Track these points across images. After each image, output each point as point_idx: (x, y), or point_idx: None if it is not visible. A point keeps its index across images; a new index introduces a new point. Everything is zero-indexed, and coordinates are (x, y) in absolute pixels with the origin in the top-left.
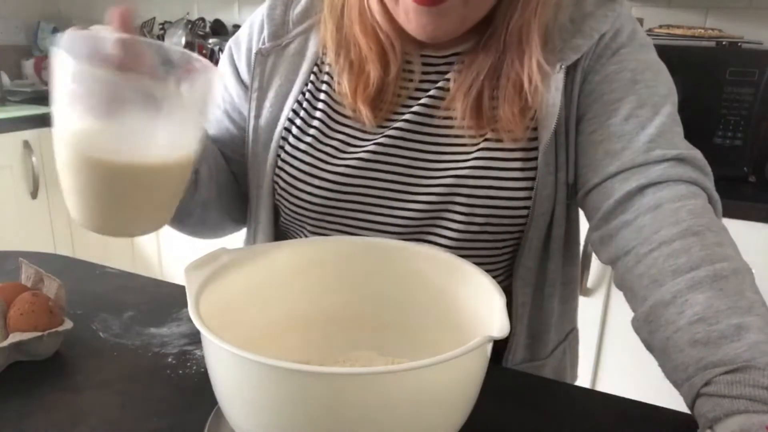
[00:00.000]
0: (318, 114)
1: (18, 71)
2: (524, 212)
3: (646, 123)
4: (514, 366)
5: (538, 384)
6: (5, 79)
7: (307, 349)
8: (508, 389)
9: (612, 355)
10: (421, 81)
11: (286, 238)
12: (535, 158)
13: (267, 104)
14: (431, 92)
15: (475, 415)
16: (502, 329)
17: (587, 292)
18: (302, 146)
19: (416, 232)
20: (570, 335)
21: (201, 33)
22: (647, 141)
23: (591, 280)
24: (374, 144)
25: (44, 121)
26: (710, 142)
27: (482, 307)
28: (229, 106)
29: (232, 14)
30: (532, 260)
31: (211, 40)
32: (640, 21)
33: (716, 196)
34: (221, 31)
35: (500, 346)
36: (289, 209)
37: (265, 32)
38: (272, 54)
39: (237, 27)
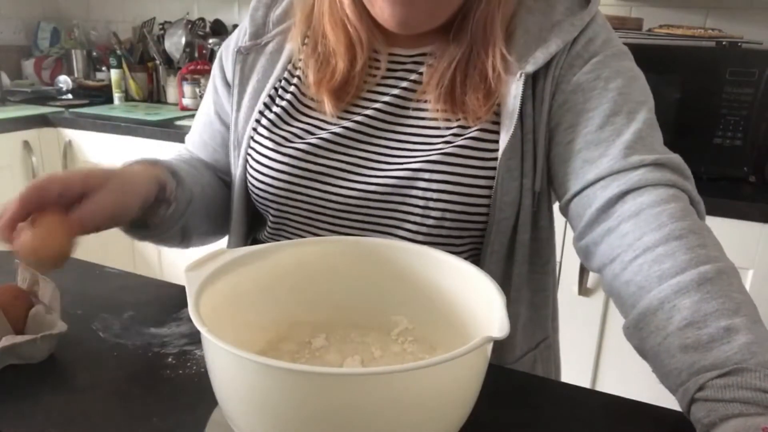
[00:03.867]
0: (285, 100)
1: (18, 71)
2: (484, 210)
3: (622, 129)
4: None
5: (538, 384)
6: (5, 79)
7: (306, 350)
8: (507, 389)
9: (612, 355)
10: (384, 77)
11: (258, 229)
12: (495, 158)
13: (245, 99)
14: (403, 85)
15: (475, 415)
16: (502, 329)
17: (587, 292)
18: (266, 131)
19: (375, 222)
20: (542, 344)
21: (201, 33)
22: (624, 147)
23: (591, 281)
24: (337, 128)
25: (44, 121)
26: (710, 142)
27: (482, 308)
28: (219, 108)
29: (232, 14)
30: (495, 264)
31: (211, 40)
32: (640, 21)
33: (698, 197)
34: (221, 31)
35: None
36: (255, 194)
37: (247, 32)
38: (252, 52)
39: (237, 27)
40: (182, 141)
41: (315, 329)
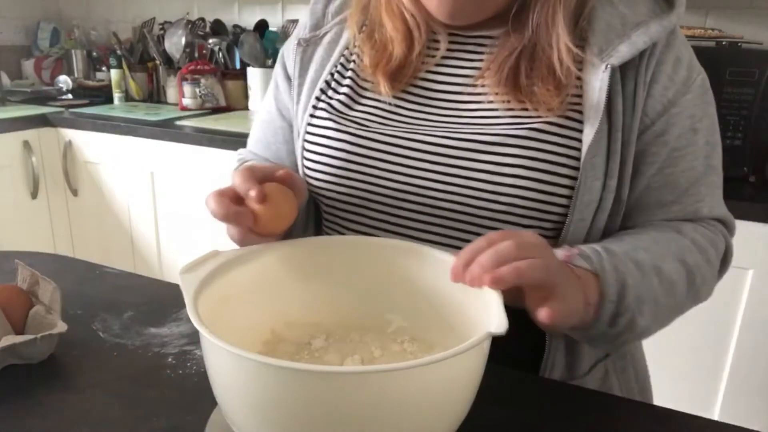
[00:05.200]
0: (345, 86)
1: (18, 71)
2: (561, 208)
3: (699, 178)
4: None
5: (538, 384)
6: (5, 79)
7: (306, 350)
8: (507, 390)
9: None
10: (445, 57)
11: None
12: (578, 148)
13: (304, 89)
14: (463, 65)
15: (475, 415)
16: (500, 325)
17: None
18: (325, 113)
19: (434, 205)
20: (614, 354)
21: (201, 33)
22: (697, 201)
23: None
24: (397, 104)
25: (44, 121)
26: None
27: (478, 305)
28: (280, 104)
29: (232, 14)
30: None
31: (211, 40)
32: None
33: (732, 251)
34: (221, 31)
35: (536, 360)
36: (310, 177)
37: (307, 24)
38: (311, 44)
39: (237, 27)
40: (182, 141)
41: (311, 329)
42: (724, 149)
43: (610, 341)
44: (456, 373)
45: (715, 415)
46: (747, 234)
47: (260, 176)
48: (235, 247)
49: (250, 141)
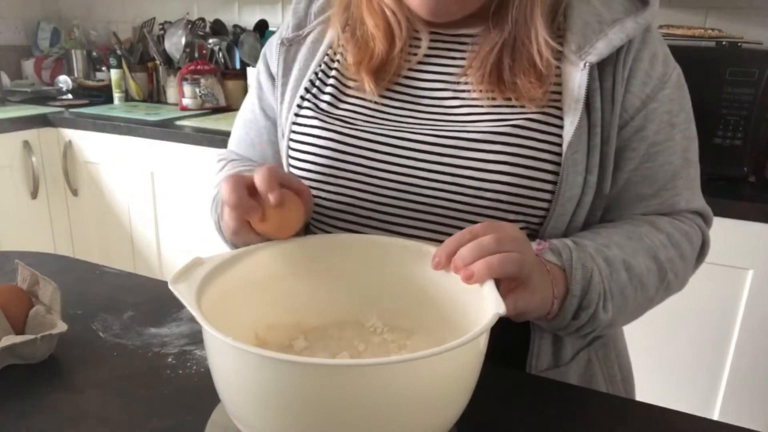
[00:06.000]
0: (328, 89)
1: (18, 71)
2: (545, 202)
3: (677, 172)
4: (539, 373)
5: (538, 384)
6: (5, 79)
7: (290, 352)
8: (507, 390)
9: None
10: (427, 55)
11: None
12: (559, 143)
13: (288, 88)
14: (446, 63)
15: (476, 414)
16: (500, 306)
17: None
18: (310, 111)
19: (420, 202)
20: (596, 342)
21: (201, 33)
22: (674, 194)
23: None
24: (381, 103)
25: (44, 121)
26: (710, 142)
27: (474, 300)
28: (264, 104)
29: (232, 14)
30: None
31: (211, 40)
32: None
33: (709, 241)
34: (221, 31)
35: (520, 349)
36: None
37: (290, 24)
38: (294, 43)
39: (237, 27)
40: (182, 141)
41: (293, 330)
42: (724, 149)
43: (573, 332)
44: (466, 358)
45: (715, 415)
46: (747, 234)
47: (281, 180)
48: (219, 238)
49: (231, 141)
